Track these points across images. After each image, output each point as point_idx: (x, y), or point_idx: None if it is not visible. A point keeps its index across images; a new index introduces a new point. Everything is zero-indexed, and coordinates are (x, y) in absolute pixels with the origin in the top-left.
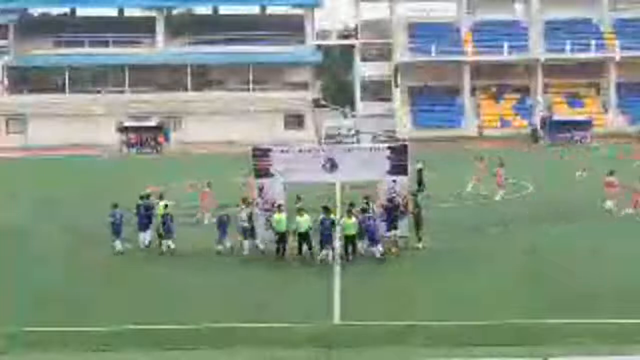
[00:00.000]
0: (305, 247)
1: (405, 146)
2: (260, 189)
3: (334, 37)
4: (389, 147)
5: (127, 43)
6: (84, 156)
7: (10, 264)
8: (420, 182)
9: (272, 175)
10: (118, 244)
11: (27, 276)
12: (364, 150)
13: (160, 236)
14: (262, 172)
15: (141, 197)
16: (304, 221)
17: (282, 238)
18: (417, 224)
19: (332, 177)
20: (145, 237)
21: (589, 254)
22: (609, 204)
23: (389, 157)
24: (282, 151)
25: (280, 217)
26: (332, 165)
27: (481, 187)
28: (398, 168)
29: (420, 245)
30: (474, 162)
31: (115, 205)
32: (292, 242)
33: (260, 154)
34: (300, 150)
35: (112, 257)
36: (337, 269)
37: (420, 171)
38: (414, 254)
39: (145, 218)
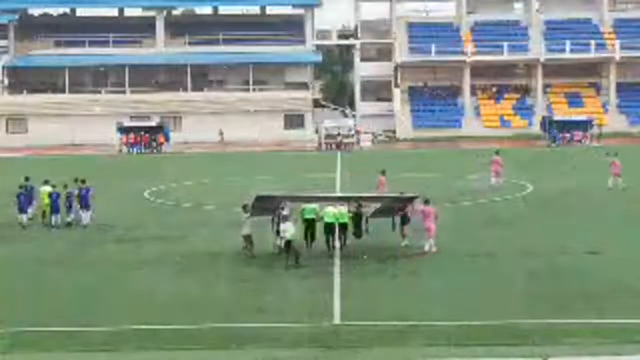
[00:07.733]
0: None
1: (413, 198)
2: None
3: (334, 37)
4: (397, 198)
5: (127, 43)
6: (84, 156)
7: (10, 264)
8: None
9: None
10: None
11: (27, 276)
12: (372, 200)
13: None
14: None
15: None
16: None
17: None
18: (403, 222)
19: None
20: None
21: (589, 253)
22: (612, 181)
23: (396, 201)
24: (288, 198)
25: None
26: (340, 204)
27: None
28: (403, 208)
29: (404, 243)
30: None
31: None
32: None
33: (265, 199)
34: (308, 199)
35: (112, 256)
36: (337, 269)
37: None
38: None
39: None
